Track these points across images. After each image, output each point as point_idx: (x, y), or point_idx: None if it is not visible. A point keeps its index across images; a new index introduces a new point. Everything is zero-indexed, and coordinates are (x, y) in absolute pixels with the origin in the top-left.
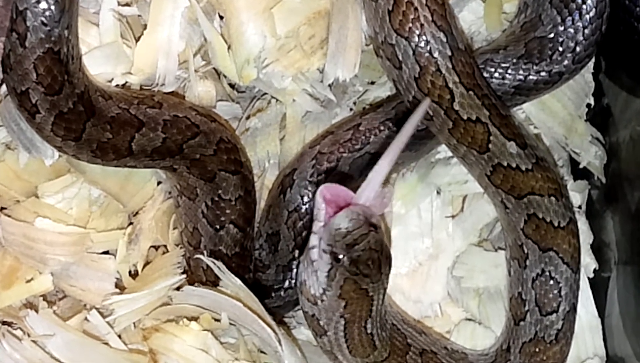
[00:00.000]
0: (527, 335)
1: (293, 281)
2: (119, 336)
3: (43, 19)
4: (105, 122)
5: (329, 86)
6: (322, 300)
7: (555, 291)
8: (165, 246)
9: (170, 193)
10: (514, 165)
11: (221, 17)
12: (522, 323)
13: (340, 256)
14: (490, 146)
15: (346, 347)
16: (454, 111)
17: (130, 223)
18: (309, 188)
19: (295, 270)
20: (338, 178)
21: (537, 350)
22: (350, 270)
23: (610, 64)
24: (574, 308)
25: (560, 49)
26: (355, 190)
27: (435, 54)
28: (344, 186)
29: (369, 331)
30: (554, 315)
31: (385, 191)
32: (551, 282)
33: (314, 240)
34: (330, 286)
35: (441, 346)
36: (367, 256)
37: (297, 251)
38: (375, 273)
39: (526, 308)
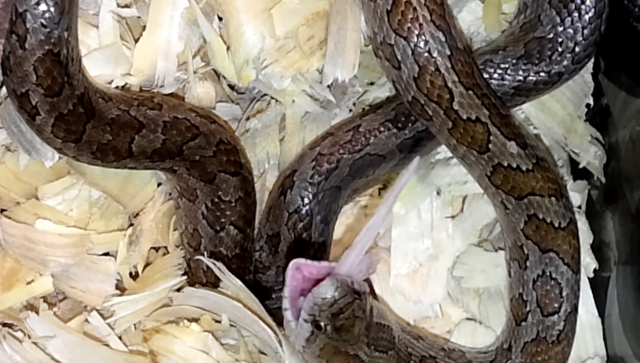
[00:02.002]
0: (529, 335)
1: None
2: (120, 337)
3: (43, 20)
4: (105, 124)
5: (328, 86)
6: (305, 352)
7: (557, 292)
8: (165, 247)
9: (170, 194)
10: (514, 165)
11: (220, 18)
12: (523, 323)
13: (322, 324)
14: (490, 146)
15: None
16: (453, 111)
17: (131, 225)
18: (310, 190)
19: None
20: (338, 179)
21: (539, 350)
22: (332, 337)
23: (609, 64)
24: (575, 309)
25: (560, 49)
26: (354, 193)
27: (434, 54)
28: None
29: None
30: (556, 315)
31: (372, 257)
32: (552, 283)
33: (285, 303)
34: (310, 347)
35: (439, 348)
36: (350, 324)
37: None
38: (356, 337)
39: (527, 308)
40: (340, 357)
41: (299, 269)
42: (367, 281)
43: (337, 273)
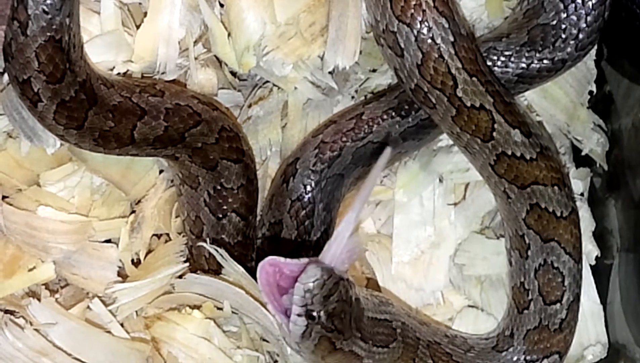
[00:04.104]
0: (531, 323)
1: None
2: (122, 324)
3: (44, 7)
4: (107, 111)
5: (330, 73)
6: (300, 350)
7: (559, 281)
8: (167, 234)
9: (172, 181)
10: (518, 154)
11: (221, 5)
12: (525, 311)
13: (315, 313)
14: (494, 134)
15: None
16: (457, 98)
17: (133, 212)
18: (312, 177)
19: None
20: (341, 167)
21: (541, 337)
22: (327, 327)
23: (612, 51)
24: (577, 298)
25: (563, 36)
26: (356, 181)
27: (438, 40)
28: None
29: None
30: (558, 304)
31: (354, 242)
32: (554, 272)
33: (271, 309)
34: (304, 343)
35: (442, 335)
36: (340, 309)
37: (299, 240)
38: (347, 329)
39: (529, 297)
40: (336, 355)
41: (274, 266)
42: (349, 281)
43: (317, 261)
